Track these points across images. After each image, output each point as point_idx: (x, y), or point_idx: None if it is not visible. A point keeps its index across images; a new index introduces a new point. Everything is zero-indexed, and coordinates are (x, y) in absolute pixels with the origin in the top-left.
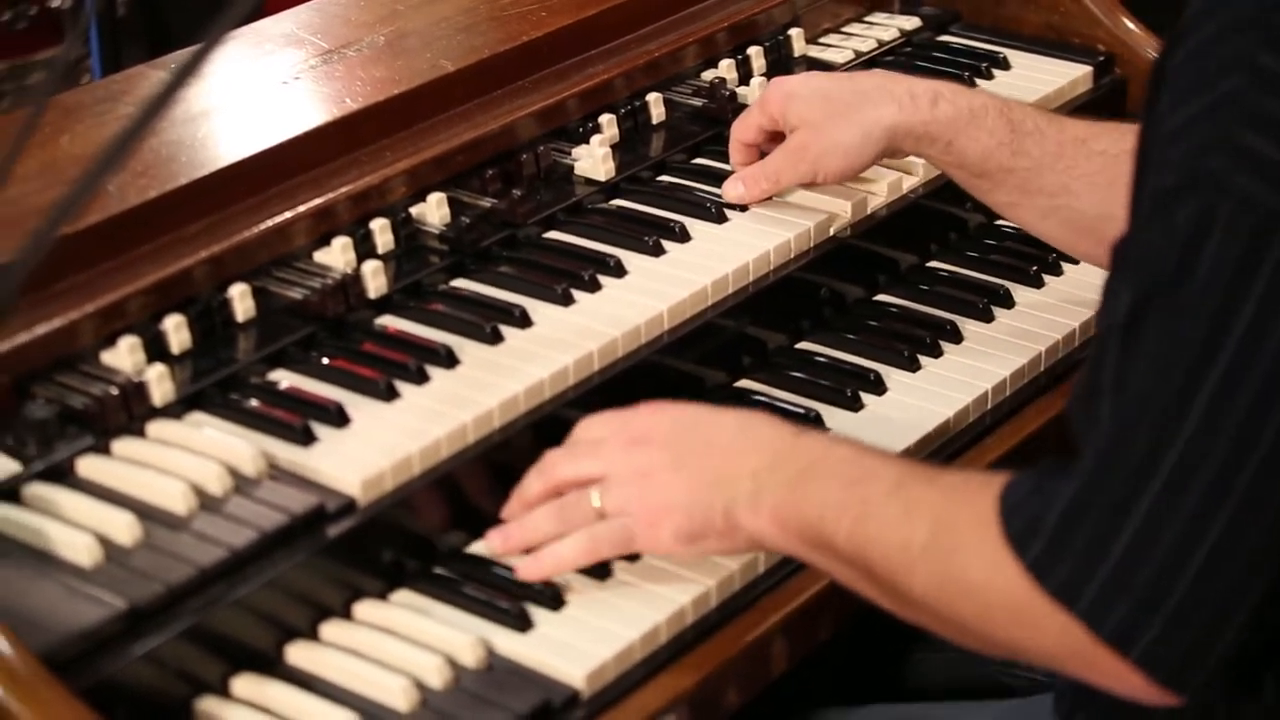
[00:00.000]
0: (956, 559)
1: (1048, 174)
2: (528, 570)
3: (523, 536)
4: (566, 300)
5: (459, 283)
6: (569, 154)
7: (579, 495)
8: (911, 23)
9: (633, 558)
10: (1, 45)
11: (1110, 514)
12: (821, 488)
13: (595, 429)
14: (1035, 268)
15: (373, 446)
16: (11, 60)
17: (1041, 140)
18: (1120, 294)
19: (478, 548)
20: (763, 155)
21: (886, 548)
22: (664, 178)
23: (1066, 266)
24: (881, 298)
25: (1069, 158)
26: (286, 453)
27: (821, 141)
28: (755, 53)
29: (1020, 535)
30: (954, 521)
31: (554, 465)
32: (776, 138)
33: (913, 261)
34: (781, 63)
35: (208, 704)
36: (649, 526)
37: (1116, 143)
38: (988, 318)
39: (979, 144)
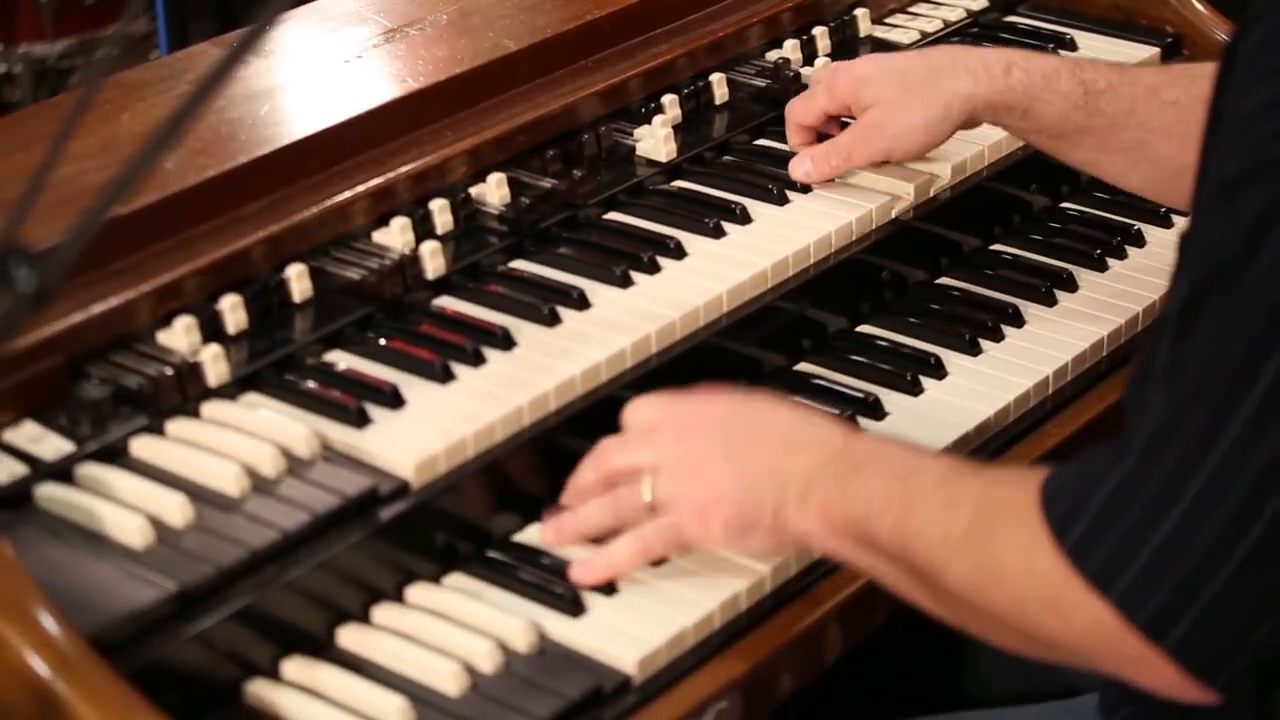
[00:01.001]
0: (993, 546)
1: (1123, 130)
2: (580, 575)
3: (575, 528)
4: (625, 282)
5: (517, 264)
6: (631, 134)
7: (631, 488)
8: (979, 3)
9: None
10: (71, 21)
11: (1155, 500)
12: (868, 484)
13: (645, 411)
14: (1099, 251)
15: (427, 429)
16: (81, 35)
17: (1115, 97)
18: (1179, 281)
19: (531, 532)
20: (821, 138)
21: (928, 540)
22: (726, 158)
23: (1131, 250)
24: (943, 280)
25: (1142, 112)
26: (341, 434)
27: (900, 120)
28: (820, 33)
29: (1062, 519)
30: (992, 510)
31: (607, 454)
32: (834, 122)
33: (976, 244)
34: (847, 43)
35: (257, 687)
36: (698, 519)
37: (1188, 90)
38: (1050, 301)
39: (1054, 108)
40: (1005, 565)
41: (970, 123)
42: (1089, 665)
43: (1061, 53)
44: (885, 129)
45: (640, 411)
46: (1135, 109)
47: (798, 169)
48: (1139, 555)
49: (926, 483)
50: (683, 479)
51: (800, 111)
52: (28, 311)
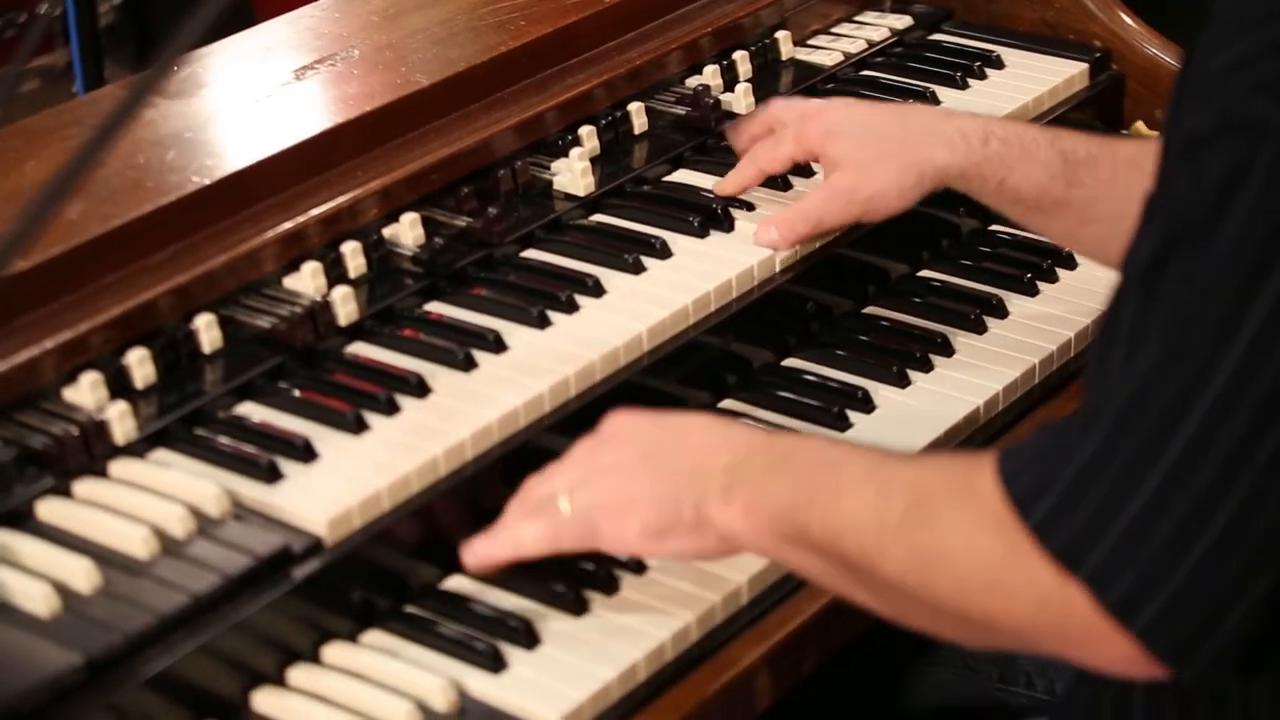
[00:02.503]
0: (932, 529)
1: (1103, 202)
2: (484, 548)
3: (493, 546)
4: (543, 323)
5: (433, 306)
6: (548, 168)
7: (549, 498)
8: (903, 21)
9: (610, 590)
10: None
11: (1126, 474)
12: (794, 475)
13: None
14: (1030, 275)
15: (340, 483)
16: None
17: (1095, 168)
18: (1141, 243)
19: (451, 583)
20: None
21: (860, 529)
22: (646, 189)
23: (1062, 274)
24: (871, 310)
25: (1124, 182)
26: (252, 490)
27: (872, 184)
28: (741, 57)
29: (1025, 496)
30: (929, 493)
31: (529, 488)
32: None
33: (904, 271)
34: (768, 67)
35: None
36: (615, 519)
37: None
38: (980, 328)
39: (1032, 179)
40: (945, 546)
41: (940, 188)
42: (1031, 646)
43: (989, 72)
44: (856, 193)
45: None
46: (1116, 179)
47: (763, 237)
48: (1109, 531)
49: (854, 471)
50: (599, 485)
51: (766, 159)
52: None
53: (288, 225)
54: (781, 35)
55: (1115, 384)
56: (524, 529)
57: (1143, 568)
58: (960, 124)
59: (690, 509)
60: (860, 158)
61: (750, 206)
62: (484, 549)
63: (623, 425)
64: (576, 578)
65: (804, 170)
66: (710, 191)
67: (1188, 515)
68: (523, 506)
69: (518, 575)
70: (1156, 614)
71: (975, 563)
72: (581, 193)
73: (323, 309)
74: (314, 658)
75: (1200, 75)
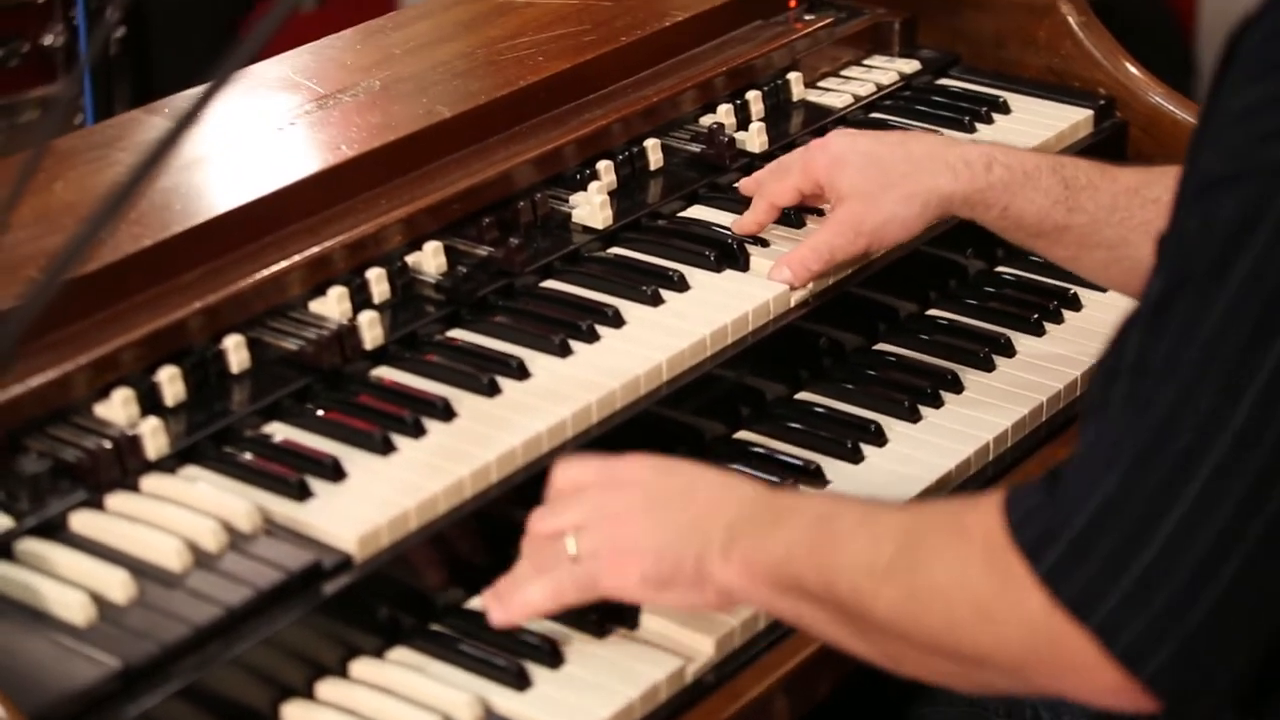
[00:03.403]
0: (924, 564)
1: (1105, 228)
2: (497, 616)
3: (509, 593)
4: (564, 351)
5: (456, 333)
6: (566, 201)
7: (556, 542)
8: (911, 66)
9: (631, 621)
10: None
11: (1137, 525)
12: (790, 530)
13: (570, 473)
14: (1036, 315)
15: (369, 502)
16: (3, 98)
17: (1095, 194)
18: (1153, 281)
19: (475, 604)
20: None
21: (854, 574)
22: (661, 223)
23: (1068, 314)
24: (881, 347)
25: (1124, 209)
26: (282, 508)
27: (878, 213)
28: (754, 97)
29: (1034, 543)
30: (921, 534)
31: (535, 523)
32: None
33: (912, 309)
34: (780, 107)
35: None
36: (617, 569)
37: (1169, 189)
38: (989, 367)
39: (1035, 205)
40: (935, 583)
41: (946, 217)
42: (1022, 683)
43: (996, 117)
44: (863, 224)
45: (566, 473)
46: (1117, 206)
47: (778, 276)
48: (1120, 583)
49: (848, 522)
50: (604, 531)
51: (777, 192)
52: None
53: (314, 250)
54: (793, 76)
55: (1124, 432)
56: (531, 591)
57: (1152, 618)
58: (964, 151)
59: (691, 563)
60: (865, 188)
61: (765, 243)
62: (498, 616)
63: (631, 470)
64: (599, 602)
65: (819, 210)
66: (726, 228)
67: (1197, 566)
68: (531, 543)
69: None
70: (1165, 662)
71: (965, 597)
72: (600, 225)
73: (349, 332)
74: (342, 672)
75: (1222, 115)
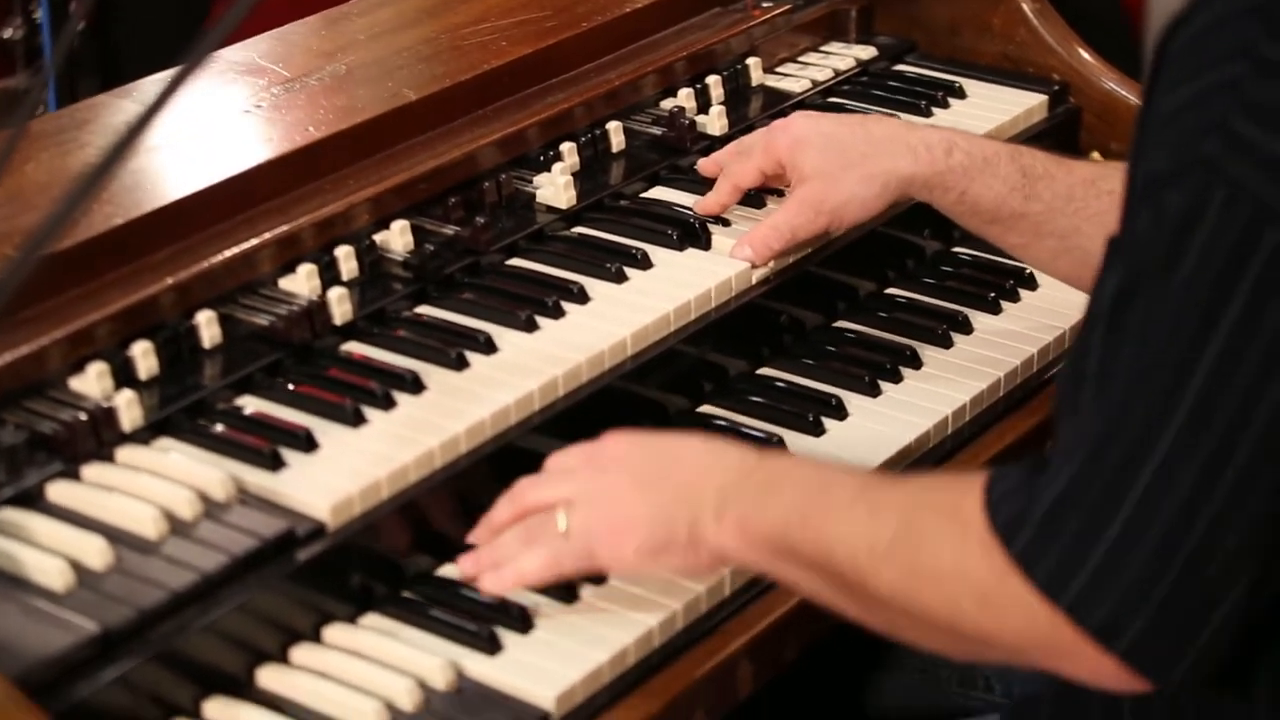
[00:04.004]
0: (925, 549)
1: (1059, 217)
2: (490, 584)
3: (491, 559)
4: (531, 326)
5: (423, 309)
6: (530, 182)
7: (546, 516)
8: (868, 52)
9: (600, 581)
10: None
11: (1099, 505)
12: (786, 496)
13: (565, 458)
14: (993, 294)
15: (341, 472)
16: None
17: (1052, 184)
18: (1106, 281)
19: (446, 571)
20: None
21: (853, 549)
22: (624, 204)
23: (1024, 293)
24: (841, 324)
25: (1079, 199)
26: (255, 478)
27: (839, 193)
28: (714, 81)
29: (1007, 524)
30: (922, 514)
31: (523, 491)
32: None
33: (871, 289)
34: (740, 92)
35: None
36: (612, 542)
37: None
38: (947, 344)
39: (992, 191)
40: (937, 567)
41: (904, 199)
42: (1023, 663)
43: (952, 102)
44: (824, 204)
45: (556, 459)
46: (1073, 196)
47: (739, 254)
48: (1088, 561)
49: (845, 494)
50: (596, 507)
51: (739, 173)
52: None
53: (283, 229)
54: (752, 62)
55: (1085, 419)
56: (526, 561)
57: (1120, 594)
58: (924, 135)
59: (684, 528)
60: (826, 168)
61: (726, 222)
62: (491, 584)
63: (620, 448)
64: None
65: (779, 191)
66: (687, 208)
67: (1160, 542)
68: (514, 506)
69: None
70: (1136, 635)
71: (965, 583)
72: (563, 205)
73: (319, 308)
74: (315, 638)
75: (1158, 116)
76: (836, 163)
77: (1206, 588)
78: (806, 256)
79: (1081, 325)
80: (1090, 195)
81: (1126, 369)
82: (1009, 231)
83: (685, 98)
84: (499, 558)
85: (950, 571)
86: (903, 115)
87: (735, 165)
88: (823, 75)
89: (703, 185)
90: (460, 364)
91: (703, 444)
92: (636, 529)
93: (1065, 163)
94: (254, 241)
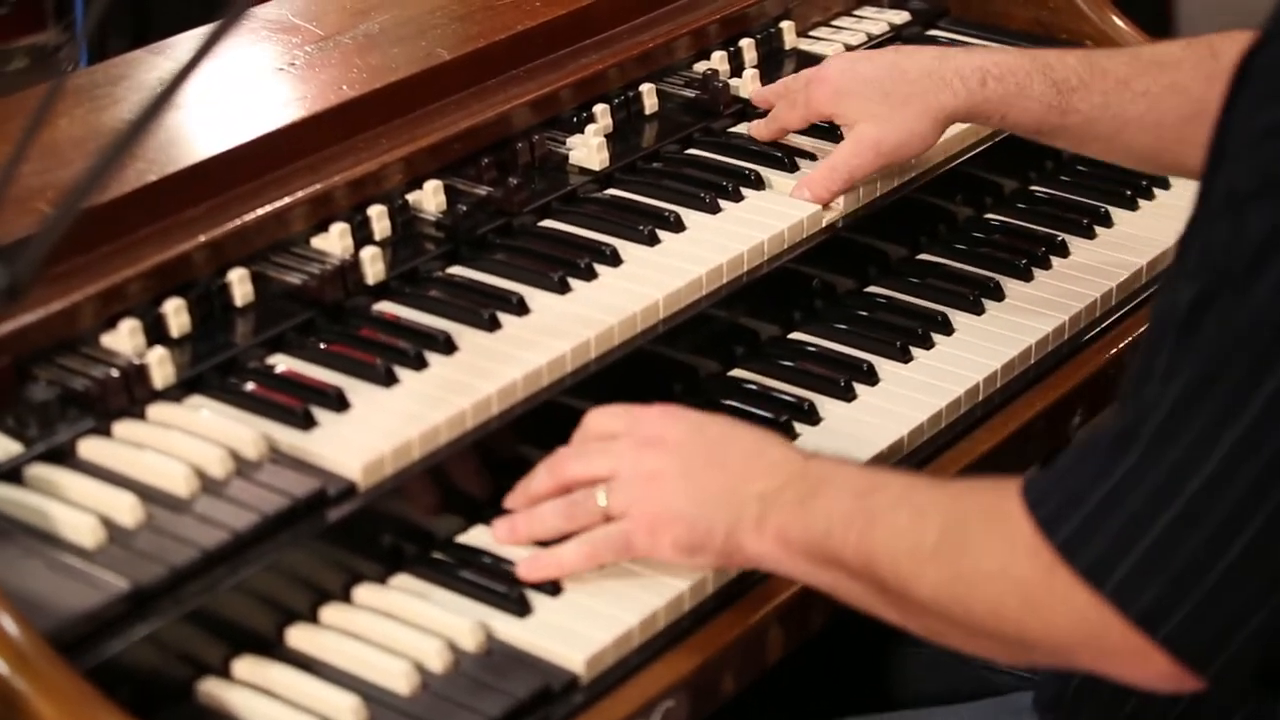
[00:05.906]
0: (969, 553)
1: (1098, 125)
2: (527, 572)
3: (529, 529)
4: (563, 288)
5: (456, 270)
6: (564, 143)
7: (586, 493)
8: (901, 17)
9: None
10: None
11: (1151, 497)
12: (828, 504)
13: (605, 421)
14: (1024, 260)
15: (373, 431)
16: None
17: (1088, 94)
18: (1181, 288)
19: (475, 533)
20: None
21: (895, 554)
22: (657, 166)
23: (1055, 260)
24: (872, 289)
25: (1115, 105)
26: (287, 436)
27: (896, 132)
28: (747, 45)
29: (1050, 518)
30: (964, 518)
31: (564, 462)
32: None
33: (902, 254)
34: (773, 55)
35: (209, 685)
36: (649, 532)
37: (1157, 79)
38: (978, 310)
39: (1029, 114)
40: (982, 569)
41: (947, 127)
42: (1067, 664)
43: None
44: (882, 144)
45: (600, 420)
46: (1108, 103)
47: (799, 195)
48: (1133, 549)
49: (887, 498)
50: (638, 490)
51: (787, 120)
52: (2, 307)
53: (316, 187)
54: (785, 25)
55: (1149, 414)
56: (566, 553)
57: (1165, 583)
58: (957, 65)
59: (722, 534)
60: (875, 111)
61: (761, 185)
62: (529, 571)
63: (668, 428)
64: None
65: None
66: (721, 166)
67: (1210, 537)
68: (554, 476)
69: None
70: (1178, 623)
71: (1010, 586)
72: (596, 167)
73: (351, 267)
74: (345, 598)
75: (1243, 134)
76: (883, 105)
77: (1253, 584)
78: (841, 221)
79: (1150, 325)
80: (1125, 99)
81: (1195, 369)
82: (1054, 140)
83: (719, 60)
84: (537, 531)
85: (995, 572)
86: None
87: (782, 111)
88: (856, 39)
89: (735, 149)
90: (492, 325)
91: (750, 438)
92: (675, 524)
93: (1098, 66)
94: (287, 200)
